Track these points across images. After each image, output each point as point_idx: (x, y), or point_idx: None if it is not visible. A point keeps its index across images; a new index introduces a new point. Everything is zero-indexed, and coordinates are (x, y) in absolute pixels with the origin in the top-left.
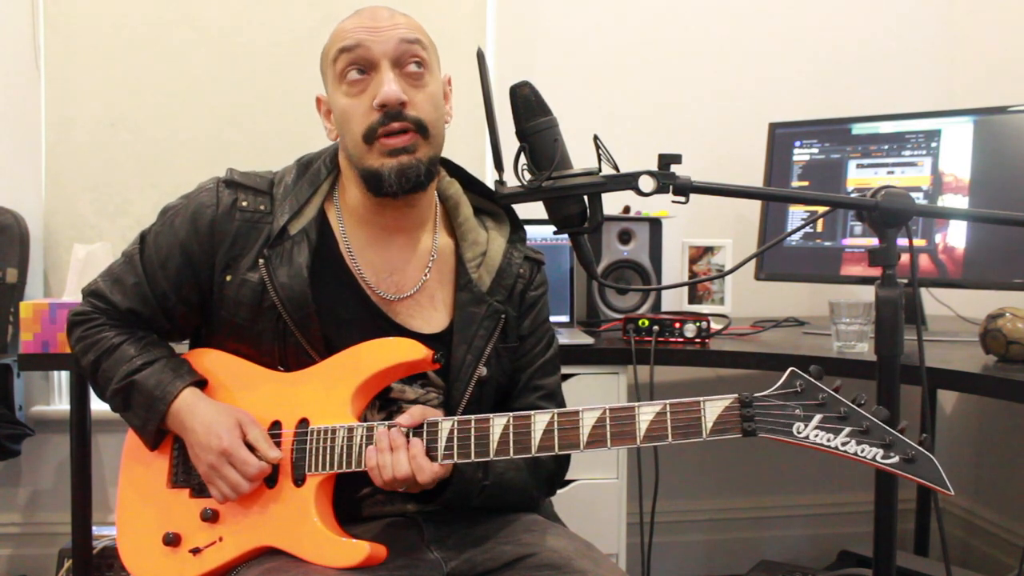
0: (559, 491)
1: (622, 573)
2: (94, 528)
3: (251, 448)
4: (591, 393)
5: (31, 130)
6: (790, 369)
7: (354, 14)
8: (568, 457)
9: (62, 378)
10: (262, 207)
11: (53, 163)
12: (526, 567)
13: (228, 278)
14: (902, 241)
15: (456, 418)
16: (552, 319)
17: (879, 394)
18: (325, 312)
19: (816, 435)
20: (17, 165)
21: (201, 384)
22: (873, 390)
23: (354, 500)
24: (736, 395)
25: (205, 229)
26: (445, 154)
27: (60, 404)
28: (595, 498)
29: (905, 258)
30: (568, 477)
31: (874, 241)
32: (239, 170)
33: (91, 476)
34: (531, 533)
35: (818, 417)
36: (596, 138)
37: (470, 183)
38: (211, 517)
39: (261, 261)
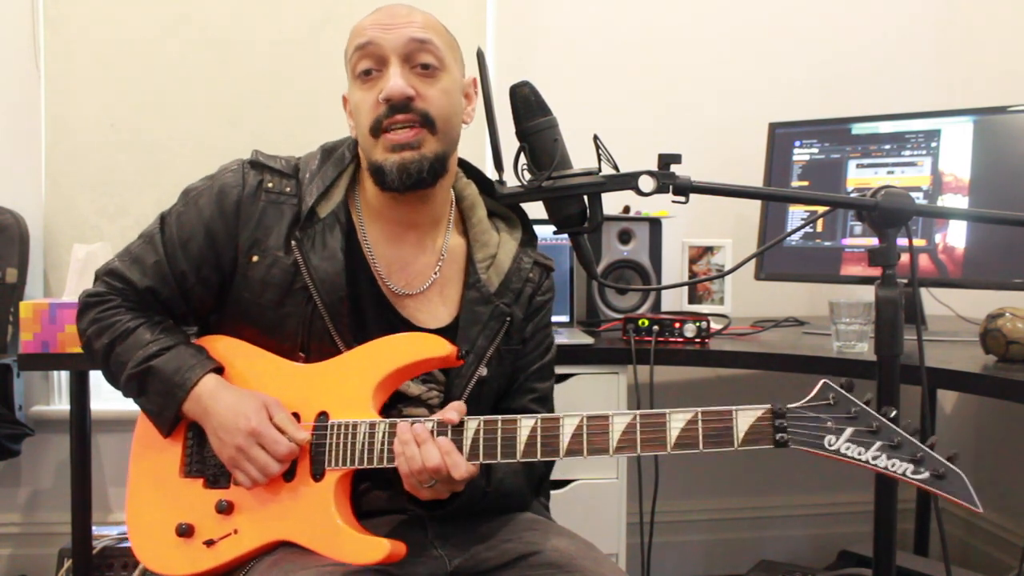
0: (558, 492)
1: (623, 573)
2: (94, 528)
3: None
4: (591, 393)
5: (31, 130)
6: (822, 381)
7: (374, 11)
8: None
9: (62, 378)
10: (287, 189)
11: (53, 163)
12: (529, 565)
13: (255, 259)
14: (902, 241)
15: (482, 418)
16: (552, 319)
17: (879, 394)
18: (349, 298)
19: (847, 448)
20: (17, 165)
21: (219, 371)
22: (873, 390)
23: (352, 496)
24: (768, 406)
25: (231, 210)
26: None
27: (60, 404)
28: (595, 498)
29: (905, 258)
30: (568, 477)
31: (874, 241)
32: (263, 152)
33: (91, 476)
34: (534, 532)
35: (849, 430)
36: (596, 138)
37: (486, 186)
38: (226, 509)
39: (294, 243)
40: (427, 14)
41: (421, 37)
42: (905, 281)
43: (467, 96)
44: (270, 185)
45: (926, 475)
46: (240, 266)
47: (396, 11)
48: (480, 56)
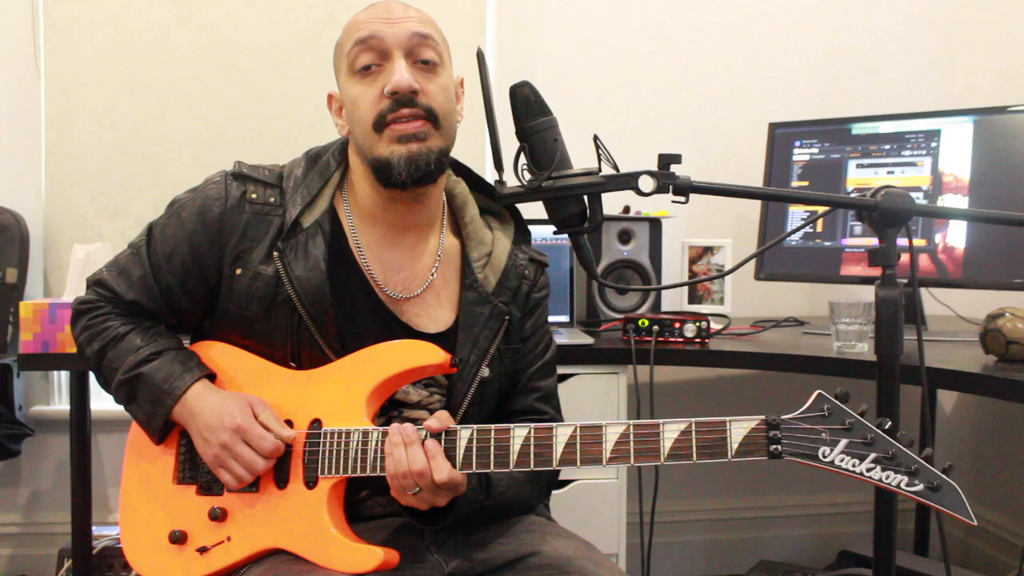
0: (558, 492)
1: (622, 573)
2: (94, 528)
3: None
4: (591, 393)
5: (31, 130)
6: (817, 392)
7: (369, 7)
8: None
9: (62, 378)
10: (272, 199)
11: (53, 163)
12: (527, 566)
13: (238, 271)
14: (902, 241)
15: (475, 427)
16: (552, 319)
17: (879, 394)
18: (338, 307)
19: (842, 460)
20: (17, 165)
21: (210, 378)
22: (873, 390)
23: (352, 503)
24: (763, 417)
25: (214, 222)
26: None
27: (60, 404)
28: (595, 498)
29: (905, 258)
30: (568, 477)
31: (874, 241)
32: (247, 163)
33: (91, 476)
34: (531, 533)
35: (844, 442)
36: (596, 138)
37: (476, 183)
38: (219, 516)
39: (276, 254)
40: (420, 10)
41: (423, 32)
42: (905, 281)
43: (457, 95)
44: (254, 196)
45: (921, 487)
46: (225, 279)
47: (393, 6)
48: (480, 56)
